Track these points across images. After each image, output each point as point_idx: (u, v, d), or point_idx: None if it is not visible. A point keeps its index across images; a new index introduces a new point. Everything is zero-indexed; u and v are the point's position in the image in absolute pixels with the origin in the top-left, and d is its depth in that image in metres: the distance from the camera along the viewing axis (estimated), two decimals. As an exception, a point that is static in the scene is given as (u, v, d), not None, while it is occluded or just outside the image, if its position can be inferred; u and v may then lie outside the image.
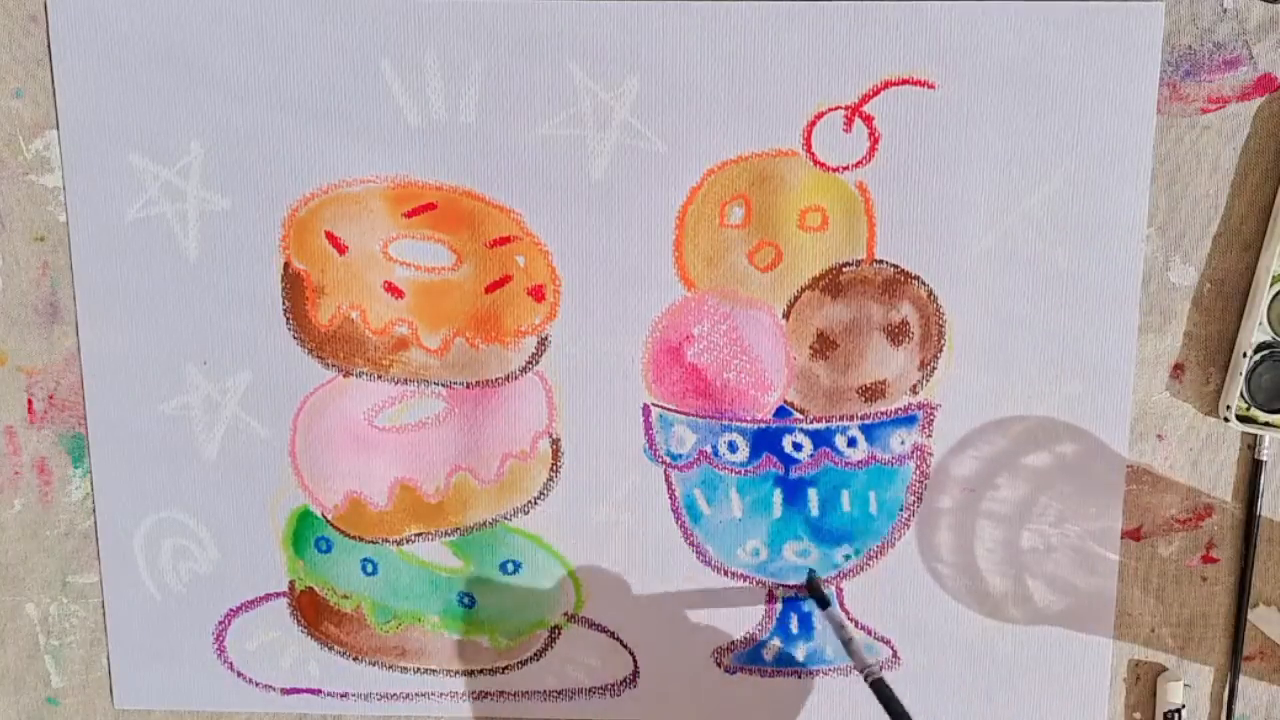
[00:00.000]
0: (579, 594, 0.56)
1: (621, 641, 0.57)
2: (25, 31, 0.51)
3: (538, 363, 0.53)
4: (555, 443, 0.54)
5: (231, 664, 0.58)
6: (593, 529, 0.55)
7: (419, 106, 0.51)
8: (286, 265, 0.53)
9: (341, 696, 0.58)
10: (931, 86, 0.50)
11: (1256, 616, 0.54)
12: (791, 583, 0.55)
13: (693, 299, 0.53)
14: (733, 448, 0.54)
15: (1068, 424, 0.53)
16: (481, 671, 0.57)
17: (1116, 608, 0.55)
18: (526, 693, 0.58)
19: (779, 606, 0.56)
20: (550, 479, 0.55)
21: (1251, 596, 0.54)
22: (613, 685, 0.57)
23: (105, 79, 0.51)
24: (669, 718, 0.57)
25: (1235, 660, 0.55)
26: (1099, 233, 0.51)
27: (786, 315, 0.53)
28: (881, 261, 0.52)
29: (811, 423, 0.53)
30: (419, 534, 0.56)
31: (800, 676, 0.57)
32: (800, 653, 0.56)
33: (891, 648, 0.56)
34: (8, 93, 0.52)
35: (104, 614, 0.57)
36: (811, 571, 0.55)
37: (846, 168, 0.51)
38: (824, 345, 0.53)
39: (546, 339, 0.53)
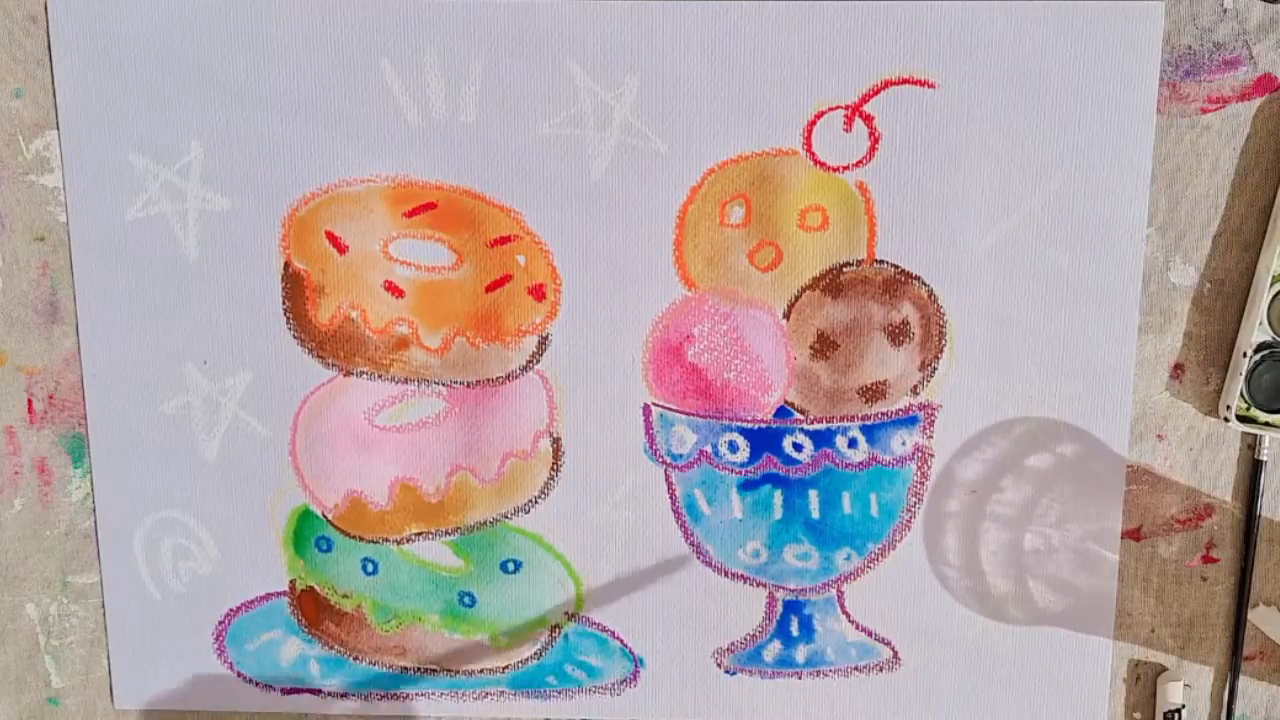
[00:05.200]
0: (579, 593, 0.56)
1: (622, 641, 0.57)
2: (25, 31, 0.51)
3: (538, 362, 0.53)
4: (556, 442, 0.54)
5: (231, 664, 0.58)
6: (593, 529, 0.55)
7: (419, 106, 0.51)
8: (286, 265, 0.53)
9: (341, 696, 0.58)
10: (931, 86, 0.50)
11: (1256, 616, 0.54)
12: (792, 585, 0.55)
13: (693, 299, 0.53)
14: (733, 448, 0.54)
15: (1068, 424, 0.53)
16: (481, 671, 0.57)
17: (1116, 608, 0.55)
18: (526, 693, 0.57)
19: (779, 608, 0.56)
20: (551, 478, 0.55)
21: (1251, 596, 0.54)
22: (613, 685, 0.57)
23: (105, 79, 0.51)
24: (669, 718, 0.57)
25: (1235, 660, 0.55)
26: (1099, 233, 0.51)
27: (787, 315, 0.53)
28: (882, 261, 0.52)
29: (812, 423, 0.53)
30: (419, 533, 0.56)
31: (800, 678, 0.56)
32: (800, 654, 0.56)
33: (892, 649, 0.56)
34: (8, 93, 0.52)
35: (104, 614, 0.57)
36: None
37: (847, 167, 0.51)
38: (824, 345, 0.53)
39: (547, 338, 0.53)
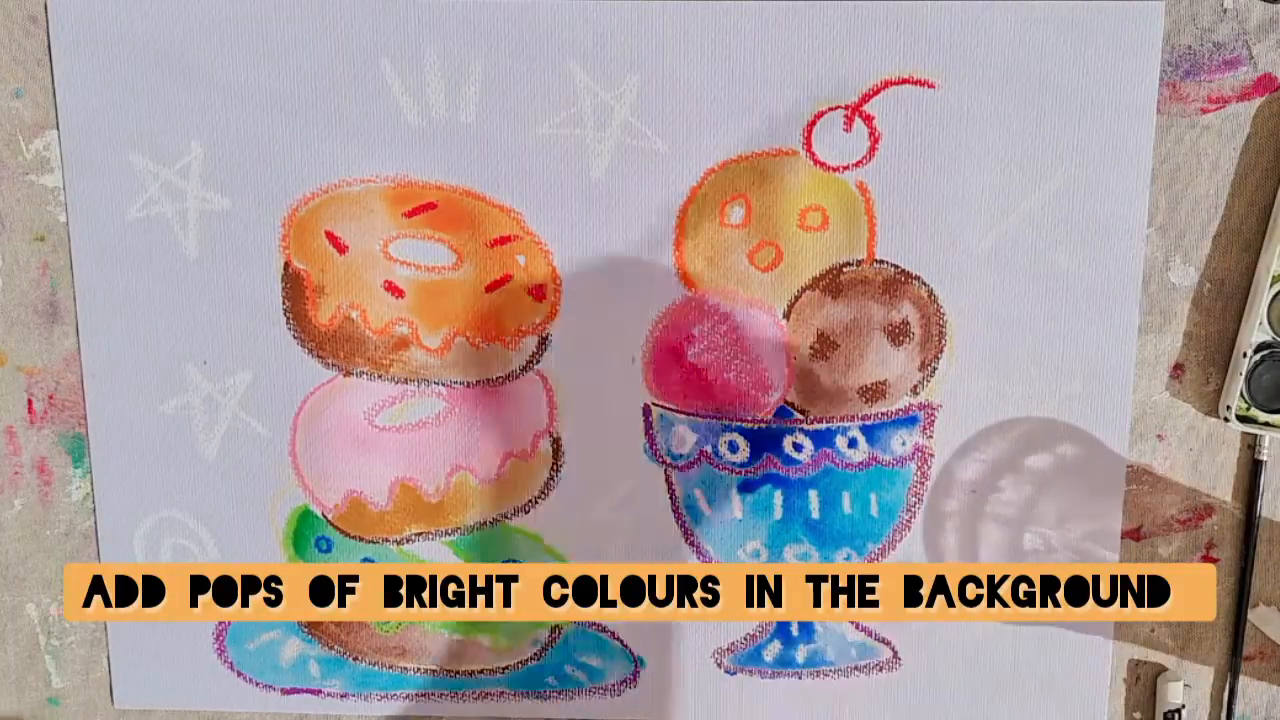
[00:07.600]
0: (579, 594, 0.56)
1: (622, 641, 0.57)
2: (25, 31, 0.51)
3: (538, 362, 0.53)
4: (556, 442, 0.54)
5: (231, 664, 0.58)
6: (593, 529, 0.55)
7: (419, 106, 0.51)
8: (286, 265, 0.53)
9: (341, 697, 0.58)
10: (931, 86, 0.50)
11: (1256, 616, 0.54)
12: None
13: (693, 299, 0.53)
14: (733, 448, 0.54)
15: (1068, 425, 0.53)
16: (481, 671, 0.57)
17: (1117, 608, 0.55)
18: (526, 693, 0.57)
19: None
20: (551, 478, 0.55)
21: (1251, 596, 0.54)
22: (613, 685, 0.57)
23: (105, 79, 0.51)
24: (669, 718, 0.57)
25: (1235, 660, 0.55)
26: (1099, 233, 0.51)
27: (787, 315, 0.53)
28: (882, 261, 0.52)
29: (812, 423, 0.53)
30: (419, 534, 0.55)
31: (800, 678, 0.56)
32: (800, 654, 0.56)
33: (892, 649, 0.56)
34: (8, 93, 0.52)
35: (104, 614, 0.57)
36: None
37: (846, 167, 0.51)
38: (824, 345, 0.53)
39: (547, 338, 0.53)
